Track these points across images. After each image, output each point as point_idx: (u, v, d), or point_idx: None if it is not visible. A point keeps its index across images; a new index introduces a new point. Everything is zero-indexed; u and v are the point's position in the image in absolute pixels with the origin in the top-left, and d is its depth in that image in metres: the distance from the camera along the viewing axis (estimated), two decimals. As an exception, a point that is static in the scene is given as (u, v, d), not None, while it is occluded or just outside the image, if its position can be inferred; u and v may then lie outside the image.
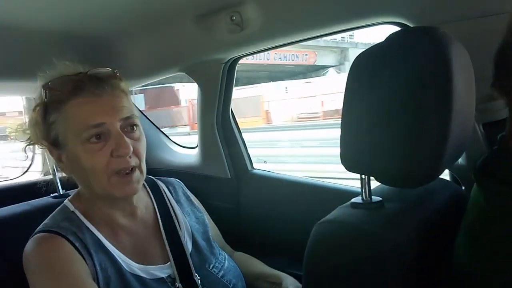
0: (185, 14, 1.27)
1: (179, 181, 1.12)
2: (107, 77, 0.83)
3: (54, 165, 1.34)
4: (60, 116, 0.80)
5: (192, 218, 1.02)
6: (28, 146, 0.91)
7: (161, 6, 1.21)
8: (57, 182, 1.31)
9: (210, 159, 1.63)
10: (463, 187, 0.97)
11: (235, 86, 1.60)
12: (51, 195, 1.30)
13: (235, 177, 1.60)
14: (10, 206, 1.20)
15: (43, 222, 0.85)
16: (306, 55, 10.73)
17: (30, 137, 0.90)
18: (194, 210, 1.06)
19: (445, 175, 1.04)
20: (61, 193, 1.30)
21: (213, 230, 1.11)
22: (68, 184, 1.34)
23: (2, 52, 1.22)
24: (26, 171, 1.99)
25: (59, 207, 0.89)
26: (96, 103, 0.79)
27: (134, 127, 0.84)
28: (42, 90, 0.82)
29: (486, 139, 0.91)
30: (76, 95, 0.79)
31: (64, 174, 0.92)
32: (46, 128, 0.83)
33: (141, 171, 0.85)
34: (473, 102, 0.65)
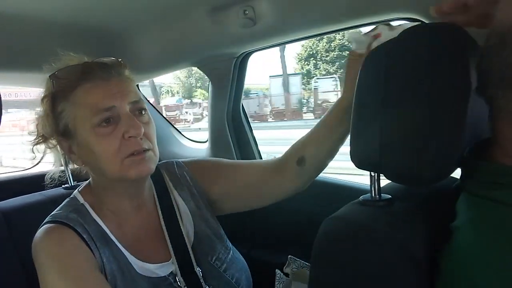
0: (197, 7, 1.26)
1: (179, 161, 1.04)
2: (112, 64, 0.84)
3: (65, 157, 1.36)
4: (68, 104, 0.80)
5: (194, 204, 0.97)
6: (36, 145, 0.91)
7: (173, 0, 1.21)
8: (68, 173, 1.33)
9: (220, 154, 1.63)
10: None
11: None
12: (63, 186, 1.32)
13: (245, 173, 1.59)
14: (23, 196, 1.22)
15: (52, 213, 0.86)
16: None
17: (37, 134, 0.89)
18: (193, 194, 0.99)
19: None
20: (73, 184, 1.32)
21: None
22: (79, 176, 1.36)
23: (12, 43, 1.23)
24: (38, 162, 2.03)
25: (67, 199, 0.90)
26: (104, 87, 0.79)
27: (143, 111, 0.84)
28: (49, 80, 0.82)
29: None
30: (84, 80, 0.79)
31: (76, 166, 0.92)
32: (55, 118, 0.83)
33: (154, 153, 0.84)
34: None
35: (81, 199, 0.88)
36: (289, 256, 1.00)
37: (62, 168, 1.38)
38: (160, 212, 0.92)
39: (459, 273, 0.50)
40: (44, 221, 0.84)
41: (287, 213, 1.43)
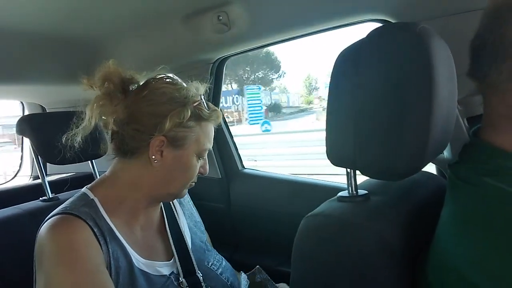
0: (172, 15, 1.27)
1: None
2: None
3: (42, 169, 1.33)
4: (197, 128, 0.91)
5: (191, 221, 1.07)
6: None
7: (148, 8, 1.21)
8: (46, 185, 1.30)
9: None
10: None
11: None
12: (41, 198, 1.29)
13: (225, 177, 1.60)
14: (0, 210, 1.19)
15: (61, 206, 0.83)
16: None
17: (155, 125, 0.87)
18: (193, 214, 1.10)
19: (434, 170, 1.06)
20: (50, 196, 1.30)
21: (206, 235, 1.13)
22: (56, 188, 1.34)
23: None
24: (15, 176, 1.98)
25: (77, 194, 0.88)
26: (213, 130, 0.96)
27: None
28: (194, 97, 0.91)
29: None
30: (211, 118, 0.93)
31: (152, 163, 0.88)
32: (177, 126, 0.87)
33: None
34: (455, 96, 0.66)
35: (91, 195, 0.87)
36: (257, 266, 1.05)
37: (39, 180, 1.36)
38: (165, 216, 0.99)
39: (445, 261, 0.52)
40: (52, 213, 0.81)
41: (269, 215, 1.45)
